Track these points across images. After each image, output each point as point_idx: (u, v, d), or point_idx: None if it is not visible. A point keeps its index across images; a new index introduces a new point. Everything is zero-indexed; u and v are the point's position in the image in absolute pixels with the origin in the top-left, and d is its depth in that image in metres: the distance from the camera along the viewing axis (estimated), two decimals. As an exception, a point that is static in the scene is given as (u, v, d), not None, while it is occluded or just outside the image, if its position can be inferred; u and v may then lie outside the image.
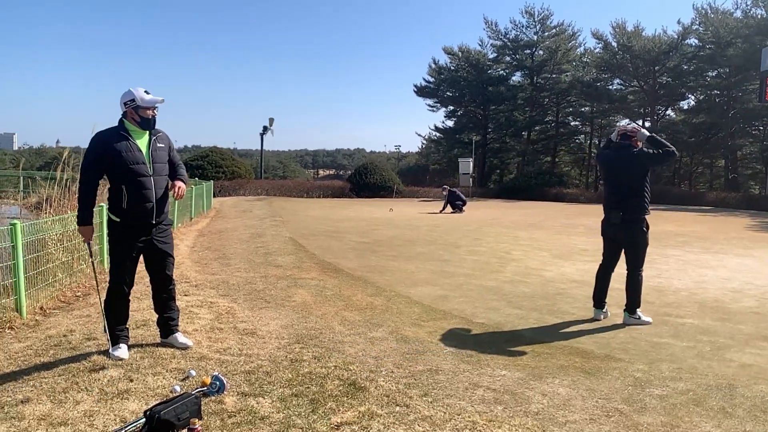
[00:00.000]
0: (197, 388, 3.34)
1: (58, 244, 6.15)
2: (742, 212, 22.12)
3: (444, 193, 20.51)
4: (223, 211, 17.90)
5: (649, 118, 36.12)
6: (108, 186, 3.97)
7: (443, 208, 19.71)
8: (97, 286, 4.35)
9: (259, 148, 39.93)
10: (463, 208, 19.59)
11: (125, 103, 3.92)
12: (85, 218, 3.91)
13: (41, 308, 5.35)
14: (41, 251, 5.70)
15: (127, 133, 3.91)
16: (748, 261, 9.35)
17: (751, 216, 20.05)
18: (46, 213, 6.95)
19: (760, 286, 7.21)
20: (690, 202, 26.06)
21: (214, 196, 22.30)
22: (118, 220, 3.92)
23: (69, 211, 7.06)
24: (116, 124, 3.96)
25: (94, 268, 3.93)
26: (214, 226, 13.35)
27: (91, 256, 4.00)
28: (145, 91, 3.94)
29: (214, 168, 30.79)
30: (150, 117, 3.95)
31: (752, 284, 7.30)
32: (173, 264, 4.16)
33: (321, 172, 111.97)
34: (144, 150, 3.94)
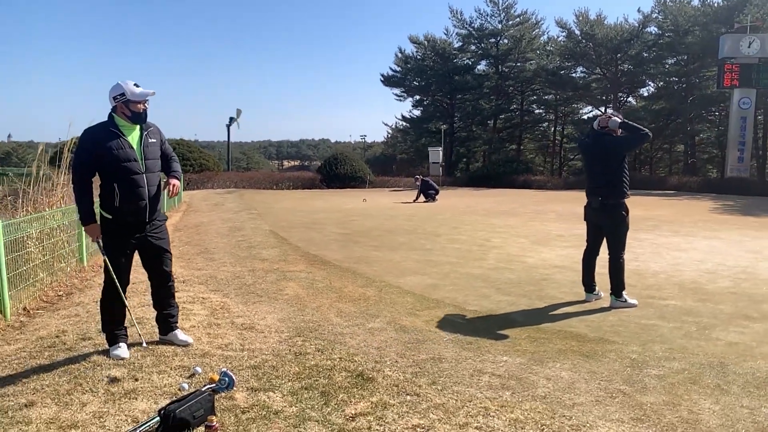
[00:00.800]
0: (206, 385, 3.29)
1: (38, 243, 5.99)
2: (703, 195, 22.84)
3: (417, 183, 20.60)
4: (195, 205, 17.62)
5: (611, 105, 36.83)
6: (99, 182, 3.87)
7: (417, 198, 19.81)
8: (119, 287, 4.12)
9: (221, 139, 39.59)
10: (436, 197, 19.73)
11: (114, 98, 3.80)
12: (87, 217, 3.81)
13: (24, 309, 5.21)
14: (21, 250, 5.55)
15: (118, 129, 3.80)
16: (716, 243, 9.69)
17: (712, 199, 20.74)
18: (23, 211, 6.73)
19: (732, 266, 7.49)
20: (652, 187, 26.73)
21: (183, 190, 21.91)
22: (110, 217, 3.83)
23: (47, 209, 6.85)
24: (106, 119, 3.86)
25: (108, 266, 3.80)
26: (189, 221, 13.14)
27: (104, 254, 3.87)
28: (135, 84, 3.83)
29: (182, 161, 29.88)
30: (141, 111, 3.85)
31: (724, 265, 7.58)
32: (171, 260, 4.09)
33: (286, 163, 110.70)
34: (135, 146, 3.84)
